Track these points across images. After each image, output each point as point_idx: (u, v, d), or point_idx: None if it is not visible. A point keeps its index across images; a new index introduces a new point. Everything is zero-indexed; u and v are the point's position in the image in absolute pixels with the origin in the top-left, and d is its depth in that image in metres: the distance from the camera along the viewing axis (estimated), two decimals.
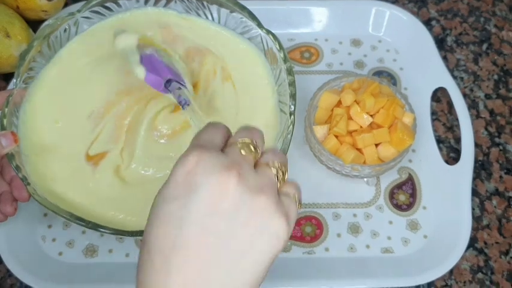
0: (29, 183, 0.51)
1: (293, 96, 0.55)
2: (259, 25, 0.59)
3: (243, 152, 0.35)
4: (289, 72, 0.57)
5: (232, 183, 0.32)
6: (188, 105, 0.51)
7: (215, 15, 0.63)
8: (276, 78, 0.60)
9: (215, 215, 0.32)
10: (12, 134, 0.51)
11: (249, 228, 0.33)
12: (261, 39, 0.60)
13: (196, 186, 0.32)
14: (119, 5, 0.62)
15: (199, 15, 0.63)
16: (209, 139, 0.36)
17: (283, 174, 0.36)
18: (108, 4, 0.62)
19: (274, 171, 0.35)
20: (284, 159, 0.37)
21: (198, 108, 0.51)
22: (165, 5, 0.63)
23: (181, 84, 0.54)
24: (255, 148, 0.36)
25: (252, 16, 0.60)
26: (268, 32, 0.59)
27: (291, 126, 0.54)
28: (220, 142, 0.37)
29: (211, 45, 0.62)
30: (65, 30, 0.61)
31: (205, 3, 0.62)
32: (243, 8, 0.60)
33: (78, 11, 0.60)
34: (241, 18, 0.61)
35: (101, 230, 0.49)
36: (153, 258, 0.33)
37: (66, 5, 0.73)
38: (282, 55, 0.57)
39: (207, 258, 0.32)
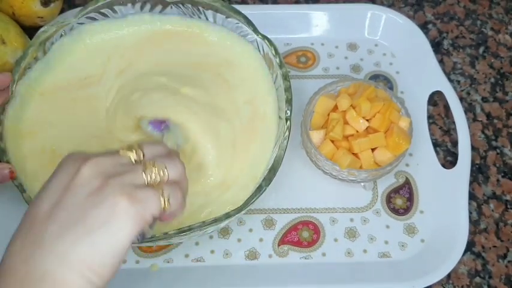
0: (24, 191, 0.51)
1: (289, 101, 0.55)
2: (255, 30, 0.60)
3: (121, 151, 0.41)
4: (285, 77, 0.57)
5: (86, 165, 0.38)
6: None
7: (211, 20, 0.63)
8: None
9: (64, 191, 0.38)
10: (10, 172, 0.52)
11: (89, 201, 0.37)
12: (257, 44, 0.60)
13: (58, 169, 0.40)
14: (114, 11, 0.62)
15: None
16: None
17: (159, 171, 0.40)
18: (104, 10, 0.62)
19: (143, 167, 0.40)
20: (169, 160, 0.41)
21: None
22: (161, 11, 0.63)
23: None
24: (136, 148, 0.41)
25: (247, 21, 0.60)
26: (264, 37, 0.59)
27: (287, 131, 0.54)
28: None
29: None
30: (61, 36, 0.61)
31: (201, 8, 0.62)
32: (239, 13, 0.60)
33: (74, 17, 0.60)
34: (237, 23, 0.61)
35: None
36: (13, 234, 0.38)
37: (62, 11, 0.72)
38: (277, 60, 0.58)
39: (44, 229, 0.36)
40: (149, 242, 0.50)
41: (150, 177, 0.40)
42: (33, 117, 0.58)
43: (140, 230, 0.38)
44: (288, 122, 0.54)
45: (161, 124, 0.56)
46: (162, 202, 0.39)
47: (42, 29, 0.59)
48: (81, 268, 0.36)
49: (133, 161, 0.41)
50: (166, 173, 0.40)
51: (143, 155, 0.41)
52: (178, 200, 0.41)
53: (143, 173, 0.40)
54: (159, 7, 0.63)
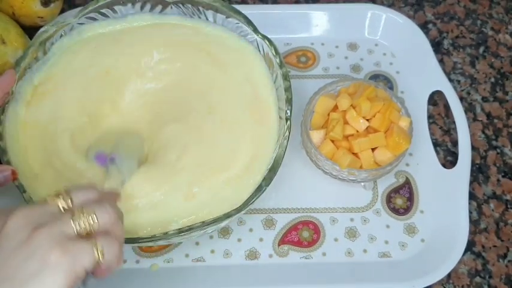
0: (25, 191, 0.51)
1: (289, 101, 0.55)
2: (255, 30, 0.60)
3: (48, 199, 0.39)
4: (285, 77, 0.57)
5: (13, 218, 0.37)
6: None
7: (211, 20, 0.63)
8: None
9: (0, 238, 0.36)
10: (13, 173, 0.51)
11: (18, 255, 0.36)
12: (257, 44, 0.60)
13: None
14: (114, 11, 0.62)
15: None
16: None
17: (89, 220, 0.38)
18: (104, 10, 0.62)
19: (72, 216, 0.38)
20: (100, 207, 0.39)
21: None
22: (161, 11, 0.63)
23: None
24: (65, 194, 0.40)
25: (247, 21, 0.60)
26: (264, 37, 0.59)
27: (287, 131, 0.54)
28: None
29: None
30: (61, 36, 0.61)
31: (201, 8, 0.62)
32: (239, 13, 0.60)
33: (74, 17, 0.60)
34: (237, 23, 0.61)
35: None
36: None
37: (62, 11, 0.73)
38: (278, 60, 0.58)
39: None
40: (149, 242, 0.50)
41: (79, 226, 0.38)
42: (33, 118, 0.58)
43: (72, 284, 0.36)
44: (288, 121, 0.54)
45: (107, 158, 0.55)
46: (96, 254, 0.37)
47: (42, 29, 0.59)
48: None
49: (61, 208, 0.39)
50: (96, 220, 0.39)
51: (72, 202, 0.39)
52: (113, 252, 0.38)
53: (71, 221, 0.38)
54: (159, 7, 0.63)
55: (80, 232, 0.38)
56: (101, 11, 0.62)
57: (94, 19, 0.62)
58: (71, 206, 0.39)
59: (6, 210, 0.38)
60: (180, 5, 0.62)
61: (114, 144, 0.56)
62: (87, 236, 0.38)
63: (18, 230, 0.37)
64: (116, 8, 0.62)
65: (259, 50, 0.60)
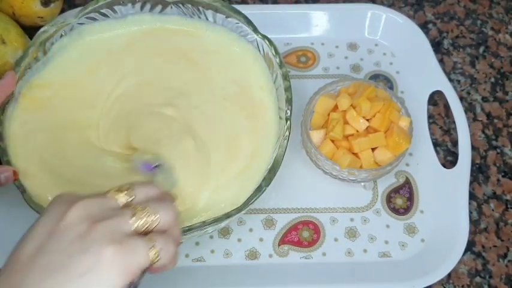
0: (25, 191, 0.51)
1: (289, 101, 0.55)
2: (255, 30, 0.60)
3: (110, 193, 0.39)
4: (285, 77, 0.57)
5: (74, 209, 0.36)
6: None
7: (211, 20, 0.63)
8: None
9: (49, 234, 0.36)
10: (14, 173, 0.51)
11: (74, 246, 0.35)
12: (257, 44, 0.60)
13: (46, 210, 0.38)
14: (114, 11, 0.62)
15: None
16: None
17: (148, 217, 0.38)
18: (104, 10, 0.62)
19: (132, 211, 0.38)
20: (159, 205, 0.39)
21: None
22: (161, 11, 0.63)
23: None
24: (127, 190, 0.39)
25: (247, 21, 0.60)
26: (264, 37, 0.59)
27: (287, 131, 0.54)
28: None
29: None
30: (61, 36, 0.61)
31: (201, 8, 0.62)
32: (239, 13, 0.60)
33: (75, 17, 0.60)
34: (237, 23, 0.61)
35: None
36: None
37: (62, 11, 0.73)
38: (277, 60, 0.57)
39: (25, 272, 0.34)
40: None
41: (140, 224, 0.37)
42: (32, 119, 0.58)
43: (126, 282, 0.36)
44: (288, 121, 0.54)
45: (151, 166, 0.55)
46: (152, 255, 0.37)
47: (42, 29, 0.59)
48: None
49: (122, 203, 0.39)
50: (158, 220, 0.38)
51: (133, 198, 0.39)
52: (169, 253, 0.38)
53: (132, 218, 0.37)
54: (159, 7, 0.63)
55: (138, 230, 0.37)
56: (101, 11, 0.61)
57: (94, 19, 0.62)
58: (132, 202, 0.39)
59: (68, 199, 0.37)
60: (180, 5, 0.62)
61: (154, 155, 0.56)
62: (145, 233, 0.38)
63: (77, 222, 0.36)
64: (116, 8, 0.62)
65: (259, 50, 0.60)
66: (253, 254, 0.60)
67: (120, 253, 0.35)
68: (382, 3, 0.76)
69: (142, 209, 0.38)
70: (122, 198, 0.39)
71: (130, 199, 0.39)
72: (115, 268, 0.35)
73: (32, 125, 0.57)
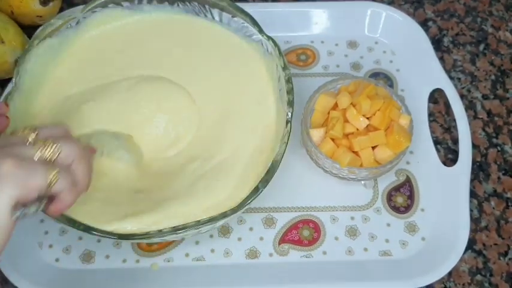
0: None
1: (291, 103, 0.55)
2: (261, 31, 0.59)
3: (14, 131, 0.42)
4: (288, 80, 0.56)
5: None
6: None
7: (217, 19, 0.63)
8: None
9: None
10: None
11: None
12: (262, 44, 0.60)
13: None
14: (121, 5, 0.62)
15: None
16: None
17: (52, 148, 0.41)
18: (110, 6, 0.62)
19: (35, 142, 0.41)
20: (63, 139, 0.42)
21: None
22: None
23: None
24: (30, 129, 0.42)
25: (253, 21, 0.60)
26: (269, 38, 0.59)
27: (287, 135, 0.53)
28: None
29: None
30: (67, 29, 0.61)
31: (207, 6, 0.62)
32: (245, 13, 0.60)
33: (80, 11, 0.60)
34: (243, 23, 0.61)
35: (94, 233, 0.49)
36: None
37: (61, 10, 0.72)
38: (281, 62, 0.57)
39: None
40: (144, 239, 0.50)
41: (42, 152, 0.40)
42: (36, 111, 0.58)
43: (21, 197, 0.38)
44: (289, 124, 0.54)
45: None
46: (50, 176, 0.39)
47: (48, 22, 0.59)
48: None
49: (27, 140, 0.41)
50: (59, 150, 0.41)
51: (37, 134, 0.42)
52: (66, 184, 0.41)
53: (35, 146, 0.40)
54: (165, 4, 0.63)
55: (40, 158, 0.40)
56: (108, 6, 0.62)
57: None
58: (35, 139, 0.42)
59: None
60: (187, 3, 0.62)
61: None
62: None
63: None
64: (123, 4, 0.62)
65: (264, 51, 0.60)
66: (253, 253, 0.59)
67: (18, 167, 0.38)
68: (382, 1, 0.76)
69: (43, 141, 0.41)
70: (26, 135, 0.42)
71: (34, 134, 0.42)
72: (11, 180, 0.37)
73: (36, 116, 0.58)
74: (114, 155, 0.56)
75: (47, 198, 0.41)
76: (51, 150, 0.41)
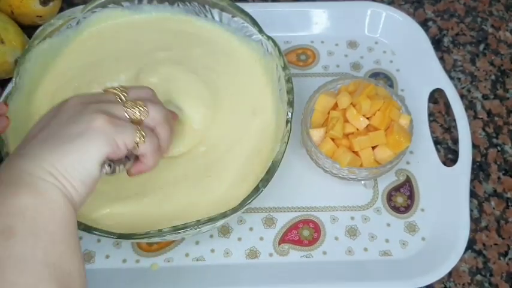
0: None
1: (291, 103, 0.55)
2: (260, 31, 0.59)
3: (106, 90, 0.45)
4: (288, 79, 0.56)
5: (73, 98, 0.43)
6: None
7: (217, 19, 0.63)
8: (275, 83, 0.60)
9: (52, 116, 0.42)
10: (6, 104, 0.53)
11: (71, 119, 0.40)
12: (262, 44, 0.60)
13: (51, 108, 0.44)
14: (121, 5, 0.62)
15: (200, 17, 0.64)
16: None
17: (139, 109, 0.43)
18: (110, 6, 0.62)
19: (123, 101, 0.43)
20: (150, 103, 0.44)
21: None
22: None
23: None
24: (121, 90, 0.44)
25: (253, 21, 0.60)
26: (269, 38, 0.59)
27: (287, 135, 0.53)
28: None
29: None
30: (67, 28, 0.61)
31: (207, 6, 0.62)
32: (245, 13, 0.60)
33: (81, 11, 0.60)
34: (243, 23, 0.61)
35: (94, 232, 0.49)
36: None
37: (61, 10, 0.72)
38: (281, 62, 0.57)
39: (36, 144, 0.39)
40: (144, 239, 0.50)
41: (129, 113, 0.42)
42: (36, 111, 0.58)
43: (111, 152, 0.39)
44: (289, 124, 0.54)
45: None
46: (138, 137, 0.41)
47: (48, 22, 0.59)
48: (53, 173, 0.37)
49: (116, 98, 0.43)
50: (146, 113, 0.43)
51: (127, 95, 0.44)
52: (153, 145, 0.43)
53: (123, 107, 0.42)
54: (165, 4, 0.63)
55: (128, 117, 0.42)
56: (108, 6, 0.62)
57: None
58: (125, 99, 0.44)
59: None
60: (187, 3, 0.62)
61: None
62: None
63: (74, 106, 0.41)
64: (124, 3, 0.62)
65: (264, 51, 0.60)
66: (253, 253, 0.59)
67: (109, 123, 0.39)
68: (382, 1, 0.76)
69: (133, 102, 0.43)
70: (117, 92, 0.44)
71: (125, 94, 0.44)
72: (102, 136, 0.39)
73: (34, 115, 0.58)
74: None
75: (133, 158, 0.44)
76: (141, 112, 0.43)
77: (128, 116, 0.42)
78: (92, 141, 0.39)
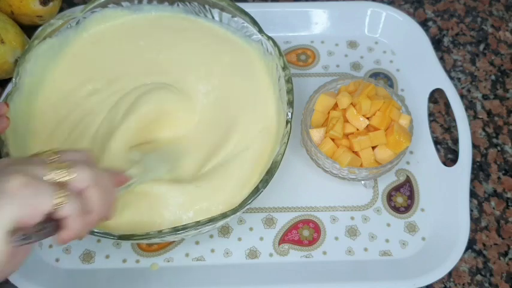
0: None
1: (291, 103, 0.55)
2: (260, 31, 0.59)
3: (36, 153, 0.41)
4: (288, 80, 0.56)
5: (2, 159, 0.41)
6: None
7: (217, 19, 0.63)
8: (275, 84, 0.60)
9: None
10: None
11: None
12: (262, 44, 0.60)
13: None
14: (120, 5, 0.62)
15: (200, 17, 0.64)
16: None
17: (64, 170, 0.39)
18: (110, 6, 0.62)
19: (50, 163, 0.39)
20: (79, 163, 0.40)
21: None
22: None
23: None
24: (54, 154, 0.40)
25: (253, 21, 0.60)
26: (269, 38, 0.59)
27: (287, 136, 0.53)
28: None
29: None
30: (67, 29, 0.61)
31: (207, 6, 0.62)
32: (245, 13, 0.60)
33: (81, 11, 0.60)
34: (243, 23, 0.61)
35: (94, 232, 0.49)
36: None
37: (61, 10, 0.72)
38: (281, 62, 0.57)
39: None
40: (144, 240, 0.50)
41: (53, 173, 0.38)
42: (36, 111, 0.59)
43: (24, 219, 0.35)
44: (289, 125, 0.54)
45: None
46: (57, 198, 0.36)
47: (48, 22, 0.59)
48: None
49: (45, 162, 0.39)
50: (73, 173, 0.38)
51: (59, 157, 0.40)
52: (75, 208, 0.38)
53: (48, 166, 0.38)
54: (165, 4, 0.63)
55: (52, 179, 0.38)
56: (108, 6, 0.62)
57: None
58: (53, 161, 0.39)
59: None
60: (187, 3, 0.62)
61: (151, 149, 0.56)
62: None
63: (0, 166, 0.38)
64: (123, 3, 0.62)
65: (263, 51, 0.60)
66: (253, 253, 0.59)
67: (25, 186, 0.35)
68: (382, 1, 0.76)
69: (60, 162, 0.39)
70: (47, 155, 0.40)
71: (55, 157, 0.40)
72: (17, 200, 0.35)
73: (35, 115, 0.58)
74: (152, 177, 0.54)
75: (53, 225, 0.38)
76: (64, 172, 0.38)
77: (48, 177, 0.38)
78: (3, 207, 0.34)
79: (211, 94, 0.60)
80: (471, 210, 0.61)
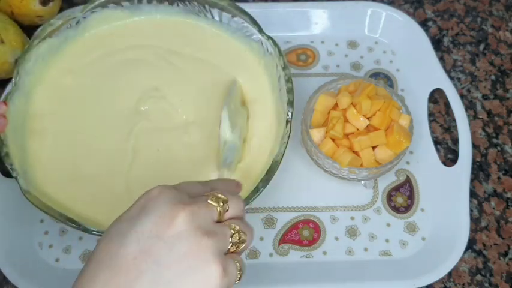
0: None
1: (291, 103, 0.55)
2: (260, 31, 0.59)
3: (209, 201, 0.38)
4: (288, 79, 0.56)
5: (182, 216, 0.35)
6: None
7: (217, 19, 0.63)
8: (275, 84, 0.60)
9: (157, 239, 0.34)
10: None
11: (185, 262, 0.34)
12: (262, 44, 0.60)
13: (149, 210, 0.35)
14: (120, 5, 0.62)
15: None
16: (187, 186, 0.39)
17: (239, 239, 0.39)
18: (110, 6, 0.62)
19: (231, 231, 0.38)
20: (246, 227, 0.40)
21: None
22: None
23: None
24: (223, 202, 0.38)
25: (253, 21, 0.60)
26: (269, 37, 0.59)
27: (287, 135, 0.53)
28: (197, 191, 0.39)
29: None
30: (66, 28, 0.61)
31: (207, 6, 0.62)
32: (245, 13, 0.60)
33: (81, 11, 0.60)
34: (243, 23, 0.61)
35: (94, 232, 0.49)
36: (88, 268, 0.34)
37: (61, 9, 0.72)
38: (281, 62, 0.57)
39: (132, 278, 0.33)
40: None
41: (233, 243, 0.38)
42: (36, 111, 0.59)
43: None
44: (289, 125, 0.54)
45: None
46: (238, 275, 0.38)
47: (48, 22, 0.59)
48: None
49: (218, 214, 0.38)
50: (243, 241, 0.39)
51: (227, 211, 0.39)
52: (242, 271, 0.39)
53: (230, 239, 0.38)
54: (165, 4, 0.63)
55: (230, 249, 0.38)
56: (108, 6, 0.62)
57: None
58: (226, 218, 0.39)
59: (174, 201, 0.36)
60: (187, 3, 0.62)
61: None
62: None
63: (186, 234, 0.35)
64: (123, 3, 0.62)
65: (263, 51, 0.60)
66: (253, 253, 0.59)
67: (224, 275, 0.35)
68: (382, 1, 0.76)
69: (236, 230, 0.38)
70: (220, 209, 0.38)
71: (225, 212, 0.39)
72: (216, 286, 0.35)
73: (35, 116, 0.58)
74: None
75: None
76: (240, 242, 0.39)
77: (230, 249, 0.38)
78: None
79: (208, 94, 0.60)
80: (471, 210, 0.61)
